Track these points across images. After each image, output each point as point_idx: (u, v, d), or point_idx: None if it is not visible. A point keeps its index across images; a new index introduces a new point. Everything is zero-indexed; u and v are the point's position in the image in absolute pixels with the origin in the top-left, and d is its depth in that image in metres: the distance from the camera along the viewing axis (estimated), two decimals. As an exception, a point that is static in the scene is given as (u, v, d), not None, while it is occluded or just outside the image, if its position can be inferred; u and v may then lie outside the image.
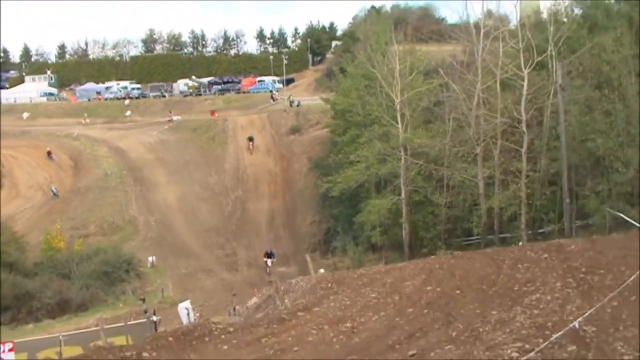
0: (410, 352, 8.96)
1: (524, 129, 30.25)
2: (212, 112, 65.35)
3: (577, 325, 8.80)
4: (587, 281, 12.30)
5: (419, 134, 34.28)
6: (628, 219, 21.75)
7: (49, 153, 56.34)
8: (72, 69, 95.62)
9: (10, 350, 15.88)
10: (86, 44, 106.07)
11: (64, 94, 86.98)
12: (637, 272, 11.55)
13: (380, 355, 9.13)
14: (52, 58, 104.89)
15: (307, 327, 11.39)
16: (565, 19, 34.26)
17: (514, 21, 36.45)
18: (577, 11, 36.97)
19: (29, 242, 40.32)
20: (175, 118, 66.33)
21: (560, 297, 11.24)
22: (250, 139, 57.67)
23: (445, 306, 11.61)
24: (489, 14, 35.58)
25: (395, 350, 9.28)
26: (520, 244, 25.23)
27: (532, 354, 8.02)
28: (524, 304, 10.96)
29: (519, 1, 33.80)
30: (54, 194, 49.36)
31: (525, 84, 30.36)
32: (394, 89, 35.02)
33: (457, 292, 12.73)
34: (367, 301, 12.95)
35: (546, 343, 8.32)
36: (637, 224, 19.64)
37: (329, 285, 15.04)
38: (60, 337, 17.45)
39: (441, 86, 35.57)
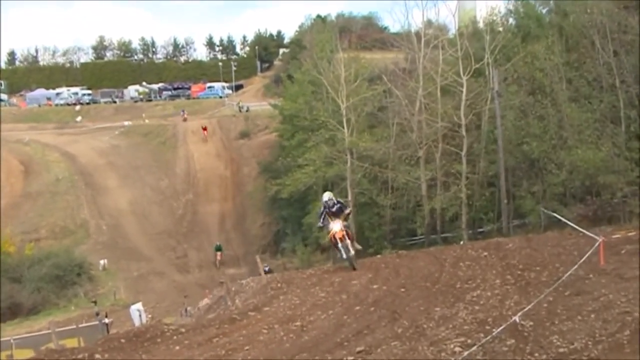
0: (358, 349, 8.99)
1: (464, 133, 30.82)
2: (205, 129, 60.67)
3: (516, 320, 8.95)
4: (524, 278, 12.58)
5: (364, 138, 34.58)
6: (561, 218, 22.28)
7: None
8: (22, 75, 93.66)
9: (-41, 354, 15.56)
10: (36, 51, 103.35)
11: (14, 99, 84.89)
12: (571, 269, 11.93)
13: (329, 352, 9.14)
14: (2, 64, 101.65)
15: (257, 326, 11.35)
16: (500, 29, 35.35)
17: (452, 30, 37.49)
18: (512, 21, 37.76)
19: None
20: (126, 124, 65.29)
21: (500, 294, 11.44)
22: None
23: (391, 304, 11.69)
24: (429, 24, 36.26)
25: (343, 347, 9.31)
26: (462, 242, 25.58)
27: (474, 348, 8.11)
28: (466, 301, 11.10)
29: (456, 10, 34.76)
30: None
31: (464, 90, 30.97)
32: (339, 94, 35.23)
33: (402, 290, 12.84)
34: (316, 300, 12.97)
35: (487, 338, 8.46)
36: (570, 223, 20.37)
37: (279, 285, 15.03)
38: (12, 340, 17.15)
39: (385, 92, 36.05)
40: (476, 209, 30.76)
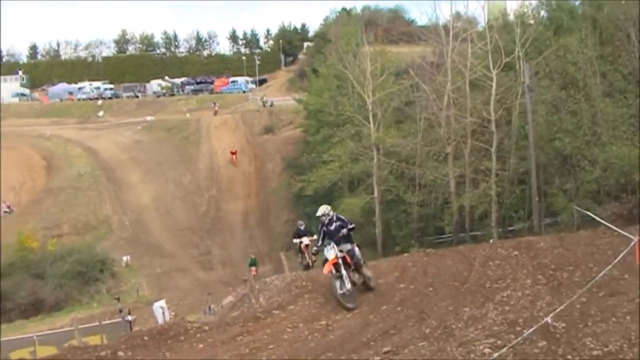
0: (385, 349, 8.92)
1: (494, 128, 30.58)
2: (234, 154, 55.76)
3: (549, 321, 8.86)
4: (556, 278, 12.39)
5: (391, 134, 34.49)
6: (595, 217, 21.90)
7: None
8: (44, 70, 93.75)
9: (-17, 350, 15.66)
10: (58, 45, 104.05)
11: (36, 94, 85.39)
12: (605, 269, 11.69)
13: (354, 352, 9.07)
14: (24, 58, 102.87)
15: (282, 325, 11.29)
16: (531, 21, 34.88)
17: (482, 23, 37.06)
18: (543, 13, 37.40)
19: (1, 243, 39.65)
20: (148, 118, 65.59)
21: (531, 294, 11.30)
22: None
23: (419, 303, 11.56)
24: (457, 16, 35.87)
25: (369, 347, 9.24)
26: (491, 241, 25.30)
27: (504, 349, 8.03)
28: (496, 301, 10.98)
29: (486, 2, 34.27)
30: (7, 212, 47.71)
31: (494, 84, 30.73)
32: (365, 89, 35.23)
33: (430, 289, 12.69)
34: None
35: (518, 339, 8.36)
36: (604, 222, 19.93)
37: (304, 283, 14.88)
38: (35, 337, 17.23)
39: (412, 87, 35.91)
40: (506, 206, 30.60)
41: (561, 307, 9.59)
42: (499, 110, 30.83)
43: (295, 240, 20.95)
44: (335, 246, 12.25)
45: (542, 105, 29.43)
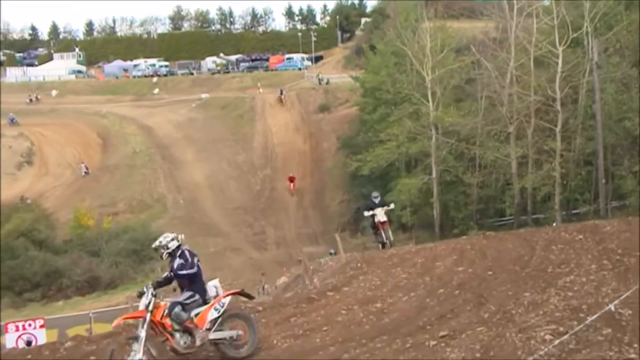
0: (441, 333, 8.85)
1: (559, 107, 29.98)
2: (292, 182, 50.91)
3: (612, 308, 8.62)
4: (623, 263, 11.93)
5: (450, 113, 34.08)
6: None
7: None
8: (100, 47, 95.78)
9: (41, 326, 16.17)
10: (114, 22, 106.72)
11: (92, 71, 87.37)
12: None
13: (410, 335, 9.03)
14: (80, 35, 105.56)
15: (336, 307, 11.28)
16: (602, -5, 33.60)
17: (548, -4, 35.88)
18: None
19: (58, 220, 41.10)
20: (203, 96, 66.40)
21: (596, 279, 10.97)
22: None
23: (477, 287, 11.40)
24: (522, -10, 34.86)
25: (425, 331, 9.18)
26: (554, 224, 24.72)
27: (566, 336, 7.86)
28: (558, 286, 10.70)
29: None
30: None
31: (559, 61, 30.08)
32: (424, 66, 34.86)
33: (490, 273, 12.45)
34: (398, 281, 12.75)
35: (581, 326, 8.16)
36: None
37: (359, 265, 14.87)
38: (90, 314, 17.66)
39: (473, 64, 35.46)
40: (571, 189, 30.17)
41: (627, 294, 9.24)
42: (564, 88, 30.17)
43: (367, 214, 18.60)
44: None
45: (611, 83, 28.70)
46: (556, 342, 7.72)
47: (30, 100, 69.27)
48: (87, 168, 50.76)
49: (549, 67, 31.28)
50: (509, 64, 31.99)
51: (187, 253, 9.68)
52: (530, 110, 31.03)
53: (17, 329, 15.94)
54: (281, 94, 62.48)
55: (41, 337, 15.63)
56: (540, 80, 30.89)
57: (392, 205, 19.11)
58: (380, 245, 18.51)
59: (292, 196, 49.65)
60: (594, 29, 29.95)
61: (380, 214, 18.28)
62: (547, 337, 8.06)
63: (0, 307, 28.13)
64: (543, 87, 30.68)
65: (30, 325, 16.15)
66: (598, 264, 12.04)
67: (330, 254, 27.52)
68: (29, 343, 14.67)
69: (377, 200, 18.63)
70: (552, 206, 30.06)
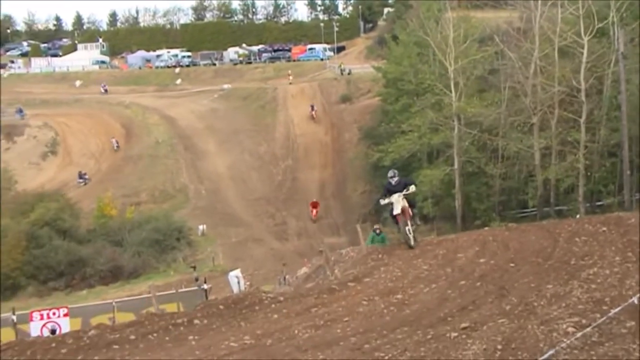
0: (463, 325, 8.82)
1: (583, 98, 29.71)
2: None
3: (636, 301, 8.54)
4: None
5: (473, 103, 33.84)
6: None
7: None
8: (123, 37, 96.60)
9: (65, 315, 16.37)
10: (137, 12, 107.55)
11: (115, 62, 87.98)
12: None
13: (431, 327, 9.02)
14: (104, 26, 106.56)
15: (357, 297, 11.27)
16: (628, -16, 33.10)
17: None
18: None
19: (82, 209, 41.50)
20: (225, 87, 66.62)
21: (620, 272, 10.85)
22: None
23: (499, 279, 11.33)
24: (547, -21, 34.48)
25: (447, 322, 9.16)
26: (578, 216, 24.57)
27: (588, 329, 7.84)
28: (581, 278, 10.63)
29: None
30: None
31: (584, 51, 29.81)
32: (447, 56, 34.62)
33: (512, 265, 12.37)
34: (419, 273, 12.68)
35: (604, 318, 8.14)
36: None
37: (380, 256, 14.80)
38: (114, 303, 17.80)
39: (496, 54, 35.14)
40: (595, 180, 30.00)
41: (652, 286, 9.12)
42: (589, 79, 29.92)
43: (383, 202, 15.00)
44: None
45: (636, 74, 28.53)
46: (578, 334, 7.68)
47: (105, 90, 70.15)
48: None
49: (573, 57, 31.02)
50: (533, 54, 31.71)
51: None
52: (554, 101, 30.78)
53: (42, 318, 16.13)
54: (312, 109, 57.48)
55: (65, 325, 15.78)
56: (564, 70, 30.63)
57: (412, 188, 14.89)
58: (405, 243, 14.98)
59: (314, 223, 45.88)
60: (620, 18, 29.60)
61: (396, 204, 14.54)
62: (570, 329, 8.03)
63: None
64: (567, 77, 30.42)
65: (54, 313, 16.33)
66: (622, 257, 11.88)
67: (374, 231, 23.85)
68: (53, 331, 14.86)
69: (394, 181, 14.82)
70: (576, 198, 29.89)
